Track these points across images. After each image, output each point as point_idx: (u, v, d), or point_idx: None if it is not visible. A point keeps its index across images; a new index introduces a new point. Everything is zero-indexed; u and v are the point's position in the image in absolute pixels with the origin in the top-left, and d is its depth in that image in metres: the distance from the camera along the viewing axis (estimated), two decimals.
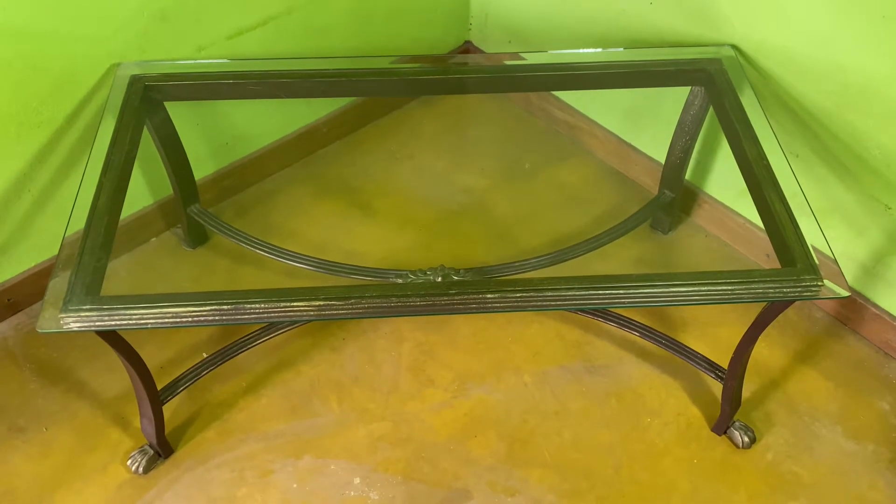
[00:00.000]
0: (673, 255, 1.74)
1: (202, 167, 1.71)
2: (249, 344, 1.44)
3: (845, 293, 1.12)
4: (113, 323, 1.08)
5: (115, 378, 1.51)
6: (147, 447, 1.39)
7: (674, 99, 1.64)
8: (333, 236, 1.75)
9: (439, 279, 1.43)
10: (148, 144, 1.59)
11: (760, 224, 1.65)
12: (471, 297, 1.11)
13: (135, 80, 1.39)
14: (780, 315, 1.56)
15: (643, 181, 1.86)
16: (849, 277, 1.58)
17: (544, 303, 1.12)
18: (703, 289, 1.12)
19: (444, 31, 2.00)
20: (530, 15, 1.86)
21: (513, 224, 1.79)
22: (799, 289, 1.12)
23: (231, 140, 1.75)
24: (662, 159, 1.72)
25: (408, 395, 1.50)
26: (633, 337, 1.58)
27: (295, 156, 1.89)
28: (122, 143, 1.28)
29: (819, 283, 1.12)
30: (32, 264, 1.58)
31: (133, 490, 1.37)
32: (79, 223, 1.18)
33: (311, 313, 1.09)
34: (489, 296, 1.11)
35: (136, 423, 1.44)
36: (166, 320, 1.08)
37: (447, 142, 2.00)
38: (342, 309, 1.10)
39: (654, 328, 1.51)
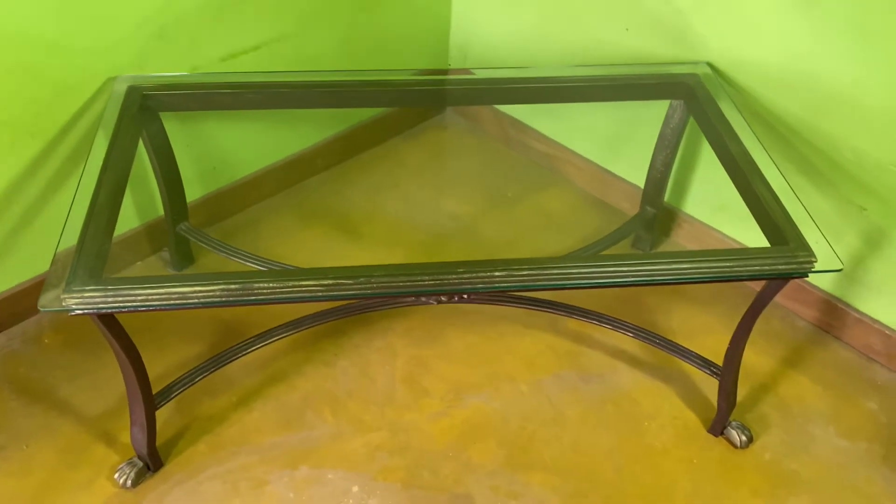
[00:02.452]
0: None
1: (189, 191, 1.70)
2: (244, 350, 1.42)
3: (839, 266, 1.16)
4: (117, 303, 1.05)
5: (99, 396, 1.46)
6: (136, 459, 1.33)
7: (649, 124, 1.71)
8: (321, 261, 1.75)
9: None
10: (137, 165, 1.60)
11: (738, 237, 1.72)
12: (478, 275, 1.12)
13: (132, 90, 1.40)
14: (765, 324, 1.61)
15: (622, 206, 1.91)
16: (828, 284, 1.63)
17: (550, 280, 1.13)
18: (703, 265, 1.16)
19: (424, 65, 2.07)
20: (507, 50, 1.94)
21: (498, 246, 1.81)
22: (794, 265, 1.16)
23: (219, 165, 1.76)
24: (640, 183, 1.78)
25: (404, 406, 1.48)
26: (625, 347, 1.60)
27: (281, 185, 1.91)
28: (120, 144, 1.29)
29: (813, 259, 1.16)
30: (14, 283, 1.55)
31: None
32: (75, 225, 1.16)
33: (320, 292, 1.09)
34: (497, 273, 1.12)
35: (123, 438, 1.39)
36: (172, 301, 1.07)
37: (430, 173, 2.04)
38: (351, 288, 1.10)
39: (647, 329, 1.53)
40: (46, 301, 1.04)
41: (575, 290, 1.66)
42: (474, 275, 1.12)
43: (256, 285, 1.08)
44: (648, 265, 1.16)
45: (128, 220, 1.67)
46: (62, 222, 1.15)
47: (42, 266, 1.56)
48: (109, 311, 1.07)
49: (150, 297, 1.06)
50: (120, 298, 1.05)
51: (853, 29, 1.35)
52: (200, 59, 1.58)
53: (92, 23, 1.39)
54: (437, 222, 1.87)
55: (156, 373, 1.48)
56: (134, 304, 1.06)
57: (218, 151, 1.74)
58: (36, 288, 1.56)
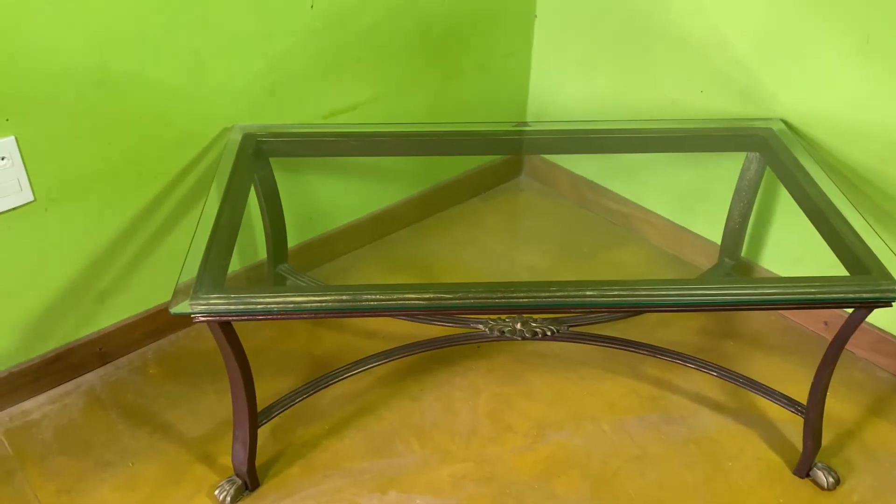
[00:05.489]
0: (734, 326, 1.81)
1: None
2: (340, 375, 1.49)
3: None
4: (239, 310, 1.15)
5: (199, 421, 1.54)
6: (234, 477, 1.40)
7: (722, 181, 1.79)
8: None
9: (518, 325, 1.52)
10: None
11: None
12: (570, 293, 1.19)
13: (247, 137, 1.55)
14: (846, 375, 1.63)
15: (698, 261, 1.96)
16: None
17: (641, 300, 1.19)
18: (788, 291, 1.20)
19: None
20: (582, 114, 2.06)
21: None
22: (877, 293, 1.20)
23: (315, 215, 1.89)
24: (715, 238, 1.84)
25: (488, 439, 1.52)
26: (706, 392, 1.62)
27: (369, 237, 2.02)
28: (238, 180, 1.41)
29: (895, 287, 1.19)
30: (126, 316, 1.66)
31: None
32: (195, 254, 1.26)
33: (423, 304, 1.17)
34: (588, 292, 1.19)
35: (222, 460, 1.46)
36: (289, 309, 1.16)
37: (507, 230, 2.13)
38: (451, 301, 1.17)
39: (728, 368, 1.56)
40: (176, 306, 1.14)
41: (655, 339, 1.70)
42: (566, 293, 1.19)
43: (365, 296, 1.16)
44: (734, 289, 1.21)
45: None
46: (174, 260, 1.25)
47: (151, 301, 1.68)
48: (232, 317, 1.16)
49: (269, 305, 1.15)
50: (242, 305, 1.15)
51: None
52: (305, 116, 1.73)
53: (214, 74, 1.54)
54: (514, 274, 1.95)
55: None
56: (255, 311, 1.15)
57: (315, 203, 1.87)
58: (144, 321, 1.68)
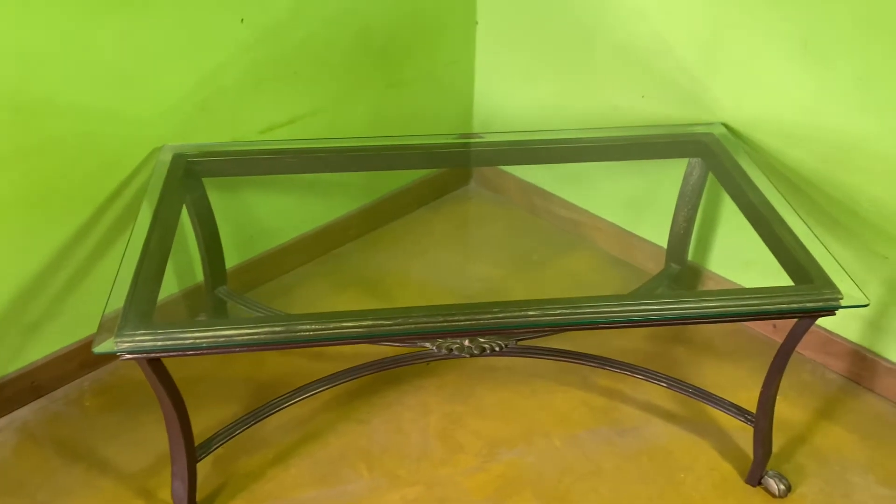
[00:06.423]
0: (684, 331, 1.80)
1: (226, 259, 1.77)
2: (282, 404, 1.44)
3: (865, 301, 1.18)
4: (166, 346, 1.10)
5: (137, 455, 1.48)
6: None
7: (668, 185, 1.78)
8: None
9: (466, 342, 1.48)
10: (176, 233, 1.67)
11: None
12: (512, 314, 1.16)
13: (177, 157, 1.49)
14: (795, 378, 1.62)
15: (647, 266, 1.95)
16: (856, 335, 1.64)
17: (583, 318, 1.17)
18: (731, 303, 1.19)
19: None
20: (527, 121, 2.03)
21: None
22: (820, 302, 1.19)
23: (256, 233, 1.83)
24: (663, 243, 1.83)
25: (439, 461, 1.49)
26: (657, 401, 1.61)
27: (314, 252, 1.97)
28: (167, 204, 1.36)
29: (839, 296, 1.18)
30: (59, 347, 1.59)
31: None
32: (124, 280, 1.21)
33: (361, 332, 1.13)
34: (530, 312, 1.16)
35: (162, 495, 1.40)
36: (219, 343, 1.11)
37: (458, 240, 2.10)
38: (390, 327, 1.13)
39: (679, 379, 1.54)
40: (100, 345, 1.08)
41: (606, 347, 1.68)
42: (509, 313, 1.16)
43: (299, 327, 1.12)
44: (678, 304, 1.19)
45: (167, 286, 1.72)
46: (106, 288, 1.18)
47: (85, 330, 1.61)
48: (159, 353, 1.11)
49: (198, 340, 1.10)
50: (169, 341, 1.10)
51: (862, 81, 1.42)
52: (240, 132, 1.67)
53: (142, 93, 1.48)
54: (465, 285, 1.92)
55: (194, 432, 1.50)
56: (183, 346, 1.10)
57: (255, 221, 1.82)
58: (78, 352, 1.61)
